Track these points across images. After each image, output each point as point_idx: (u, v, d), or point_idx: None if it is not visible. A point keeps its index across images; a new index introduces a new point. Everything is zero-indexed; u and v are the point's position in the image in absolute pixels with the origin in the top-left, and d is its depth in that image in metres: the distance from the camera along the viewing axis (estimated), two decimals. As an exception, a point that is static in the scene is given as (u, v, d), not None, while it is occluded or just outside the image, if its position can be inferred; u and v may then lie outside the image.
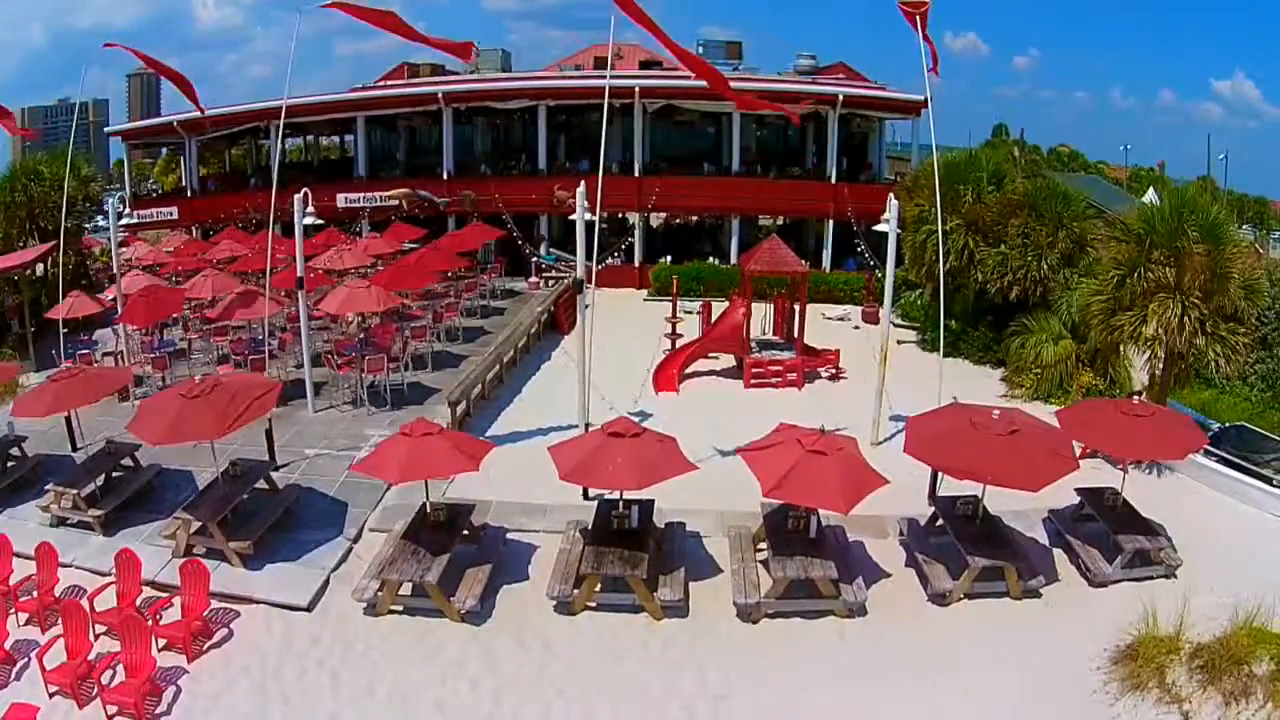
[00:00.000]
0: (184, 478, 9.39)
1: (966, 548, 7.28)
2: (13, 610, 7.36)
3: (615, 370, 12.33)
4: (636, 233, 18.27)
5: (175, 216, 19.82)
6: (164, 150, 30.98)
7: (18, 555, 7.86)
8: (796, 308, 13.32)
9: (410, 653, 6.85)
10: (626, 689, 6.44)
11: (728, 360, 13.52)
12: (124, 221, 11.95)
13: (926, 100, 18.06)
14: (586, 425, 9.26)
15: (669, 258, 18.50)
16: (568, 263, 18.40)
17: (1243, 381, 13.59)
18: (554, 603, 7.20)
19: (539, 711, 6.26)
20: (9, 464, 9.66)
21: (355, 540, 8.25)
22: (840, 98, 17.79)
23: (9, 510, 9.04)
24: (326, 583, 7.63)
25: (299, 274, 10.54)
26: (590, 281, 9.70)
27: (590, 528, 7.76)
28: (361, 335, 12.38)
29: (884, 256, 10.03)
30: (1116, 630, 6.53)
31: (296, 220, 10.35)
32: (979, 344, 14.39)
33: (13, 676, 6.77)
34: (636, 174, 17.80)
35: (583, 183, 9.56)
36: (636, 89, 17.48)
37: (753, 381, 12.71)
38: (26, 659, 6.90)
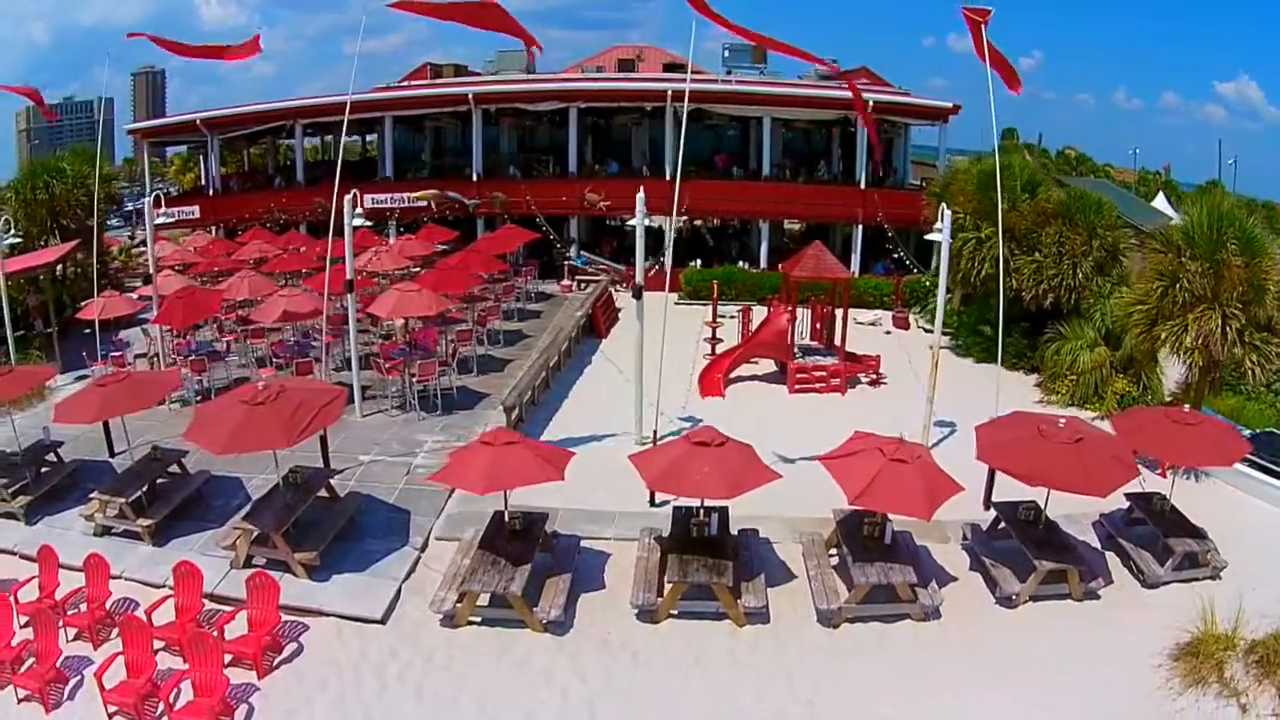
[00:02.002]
0: (233, 485, 9.13)
1: (1032, 551, 7.45)
2: (61, 625, 7.07)
3: (658, 375, 12.21)
4: (668, 237, 18.14)
5: (197, 215, 19.43)
6: (169, 151, 30.47)
7: (63, 567, 7.57)
8: (838, 313, 13.33)
9: (494, 664, 6.70)
10: (718, 697, 6.41)
11: (767, 365, 13.48)
12: (160, 220, 11.58)
13: (957, 107, 18.28)
14: (655, 433, 9.15)
15: (698, 262, 18.42)
16: (599, 265, 18.32)
17: (1267, 388, 13.83)
18: (636, 611, 7.11)
19: (634, 723, 6.14)
20: (43, 469, 9.33)
21: (422, 549, 8.05)
22: (870, 103, 17.80)
23: (48, 518, 8.74)
24: (398, 593, 7.43)
25: (349, 276, 10.31)
26: (665, 286, 9.56)
27: (668, 535, 7.67)
28: (407, 339, 12.14)
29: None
30: (1172, 629, 6.71)
31: (346, 221, 10.13)
32: (1012, 350, 14.40)
33: (65, 696, 6.50)
34: (668, 177, 17.69)
35: (641, 188, 9.44)
36: (669, 92, 17.41)
37: (797, 387, 12.66)
38: (79, 676, 6.63)
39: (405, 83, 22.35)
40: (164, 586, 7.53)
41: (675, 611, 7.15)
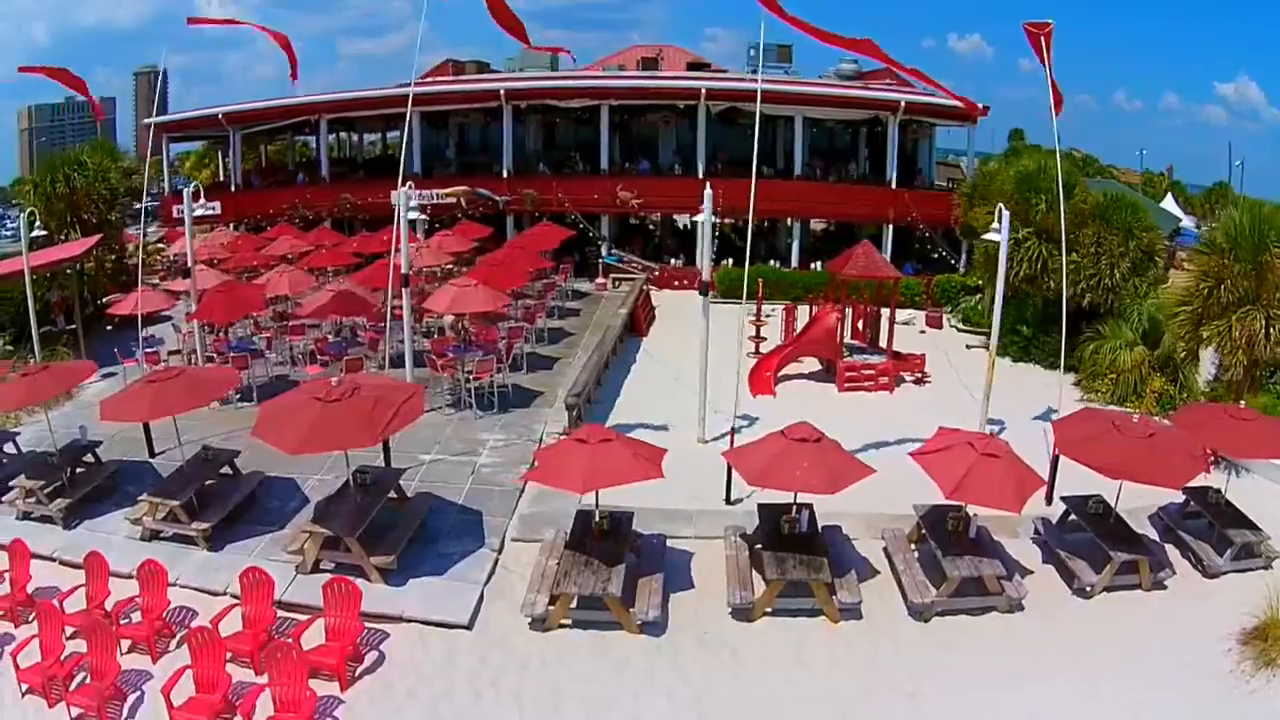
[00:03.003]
0: (287, 486, 8.79)
1: (1107, 544, 7.58)
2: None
3: (720, 373, 12.06)
4: (698, 235, 18.02)
5: (218, 211, 18.94)
6: (173, 149, 29.84)
7: (112, 574, 7.17)
8: (883, 312, 13.31)
9: (592, 667, 6.48)
10: (823, 693, 6.34)
11: (811, 363, 13.40)
12: (199, 212, 11.20)
13: (986, 108, 18.37)
14: (733, 431, 9.00)
15: (730, 260, 18.33)
16: (633, 263, 18.15)
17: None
18: (730, 610, 6.97)
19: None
20: (79, 470, 8.90)
21: (499, 551, 7.78)
22: (902, 104, 17.88)
23: (89, 522, 8.34)
24: (481, 597, 7.15)
25: (404, 271, 10.02)
26: (751, 287, 9.42)
27: (755, 532, 7.53)
28: (463, 336, 11.84)
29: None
30: (1237, 615, 6.87)
31: (401, 215, 9.86)
32: (1049, 350, 14.46)
33: (125, 713, 6.13)
34: (700, 175, 17.58)
35: (708, 186, 9.35)
36: (703, 90, 17.30)
37: (847, 385, 12.59)
38: (139, 692, 6.26)
39: (427, 79, 22.03)
40: (225, 594, 7.18)
41: (769, 609, 7.02)
